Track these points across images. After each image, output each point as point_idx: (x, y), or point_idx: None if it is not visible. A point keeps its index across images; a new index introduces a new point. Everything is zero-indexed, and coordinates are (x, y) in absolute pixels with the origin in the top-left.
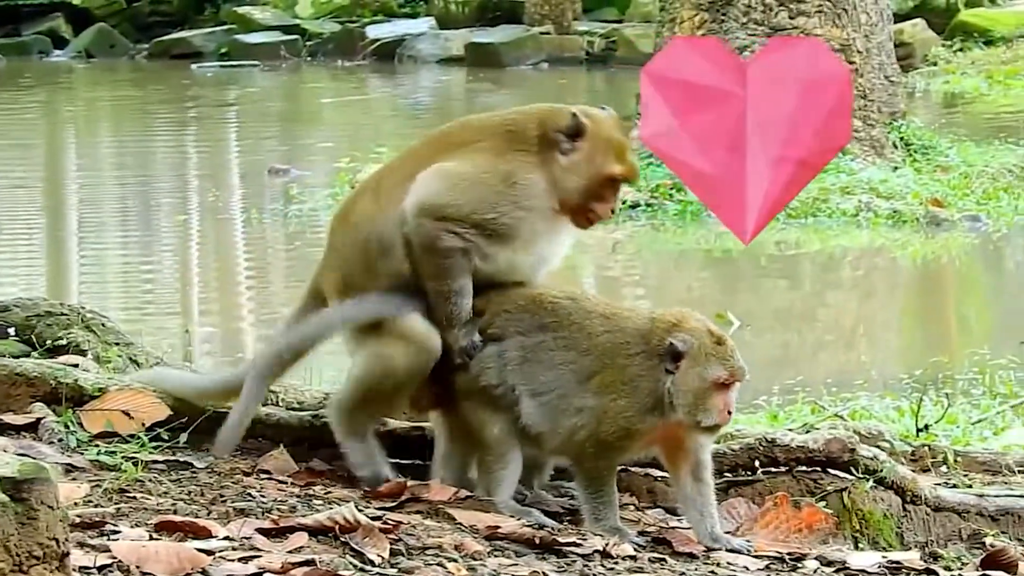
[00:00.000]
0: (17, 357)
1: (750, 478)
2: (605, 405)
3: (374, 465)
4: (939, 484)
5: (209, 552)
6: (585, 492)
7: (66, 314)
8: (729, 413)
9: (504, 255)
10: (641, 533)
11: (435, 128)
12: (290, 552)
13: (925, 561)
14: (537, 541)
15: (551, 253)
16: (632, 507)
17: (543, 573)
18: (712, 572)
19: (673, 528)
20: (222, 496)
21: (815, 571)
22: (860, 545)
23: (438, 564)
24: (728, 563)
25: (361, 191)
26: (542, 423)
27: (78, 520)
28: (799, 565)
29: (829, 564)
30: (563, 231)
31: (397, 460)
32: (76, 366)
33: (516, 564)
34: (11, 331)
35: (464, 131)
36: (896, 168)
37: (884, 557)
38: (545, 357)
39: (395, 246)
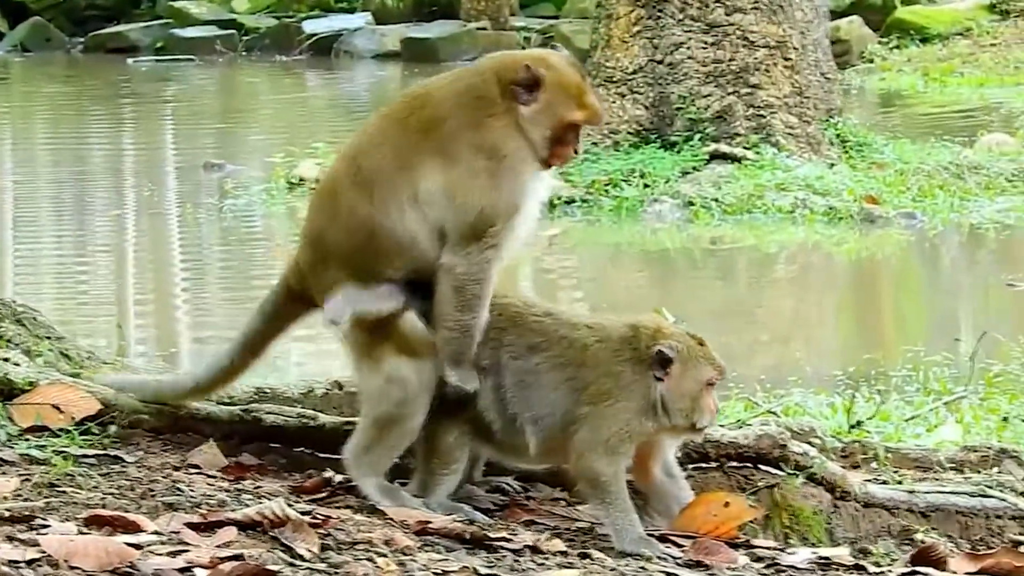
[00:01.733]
0: None
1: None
2: (602, 411)
3: (406, 500)
4: (869, 480)
5: (138, 546)
6: (598, 505)
7: None
8: (717, 411)
9: (515, 230)
10: (580, 530)
11: (398, 99)
12: (219, 546)
13: (855, 557)
14: (467, 536)
15: (537, 208)
16: (563, 503)
17: (473, 568)
18: (643, 568)
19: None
20: (151, 490)
21: (745, 567)
22: (790, 541)
23: (368, 559)
24: (659, 557)
25: (337, 180)
26: (543, 442)
27: (7, 514)
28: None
29: (759, 560)
30: (541, 179)
31: (331, 455)
32: (7, 360)
33: (446, 559)
34: None
35: (431, 106)
36: (832, 165)
37: (814, 553)
38: (545, 380)
39: (407, 240)
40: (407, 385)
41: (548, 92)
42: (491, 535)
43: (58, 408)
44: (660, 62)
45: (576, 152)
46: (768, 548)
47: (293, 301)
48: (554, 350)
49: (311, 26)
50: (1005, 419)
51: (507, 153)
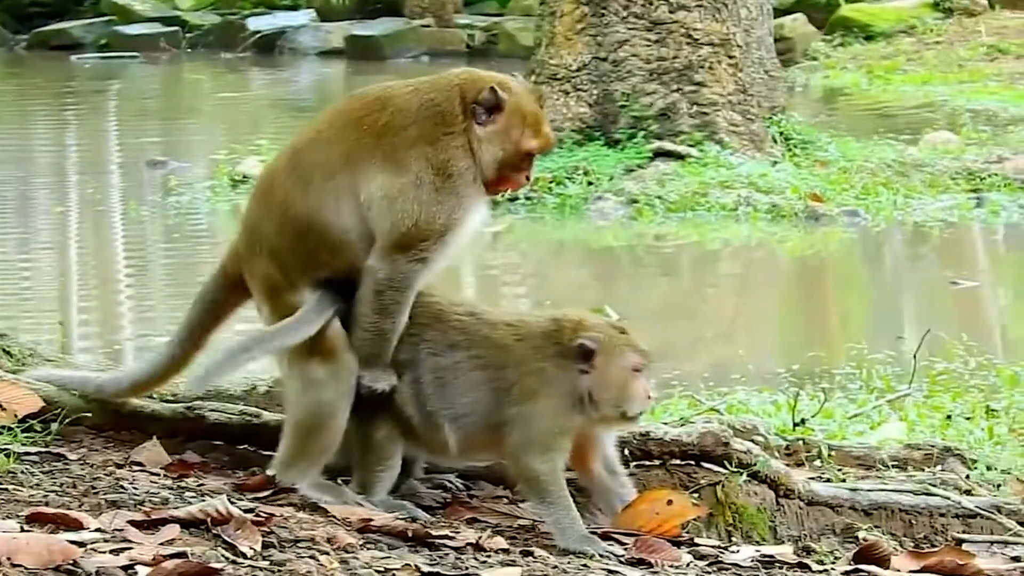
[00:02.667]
0: None
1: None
2: (531, 409)
3: (345, 496)
4: (813, 478)
5: (81, 544)
6: (539, 504)
7: None
8: (649, 397)
9: (445, 250)
10: (522, 528)
11: (353, 98)
12: (162, 544)
13: (798, 555)
14: (410, 534)
15: (474, 230)
16: (505, 500)
17: (415, 566)
18: (584, 566)
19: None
20: (94, 488)
21: (688, 565)
22: (733, 539)
23: (310, 557)
24: (602, 555)
25: (277, 172)
26: (462, 440)
27: None
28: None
29: (702, 558)
30: (483, 203)
31: (274, 453)
32: None
33: (388, 557)
34: None
35: (390, 112)
36: (775, 163)
37: (757, 551)
38: (463, 378)
39: (338, 239)
40: (323, 389)
41: (507, 116)
42: (433, 533)
43: (0, 406)
44: (604, 59)
45: (528, 179)
46: (711, 546)
47: (232, 288)
48: (475, 350)
49: (255, 23)
50: (949, 417)
51: (454, 172)
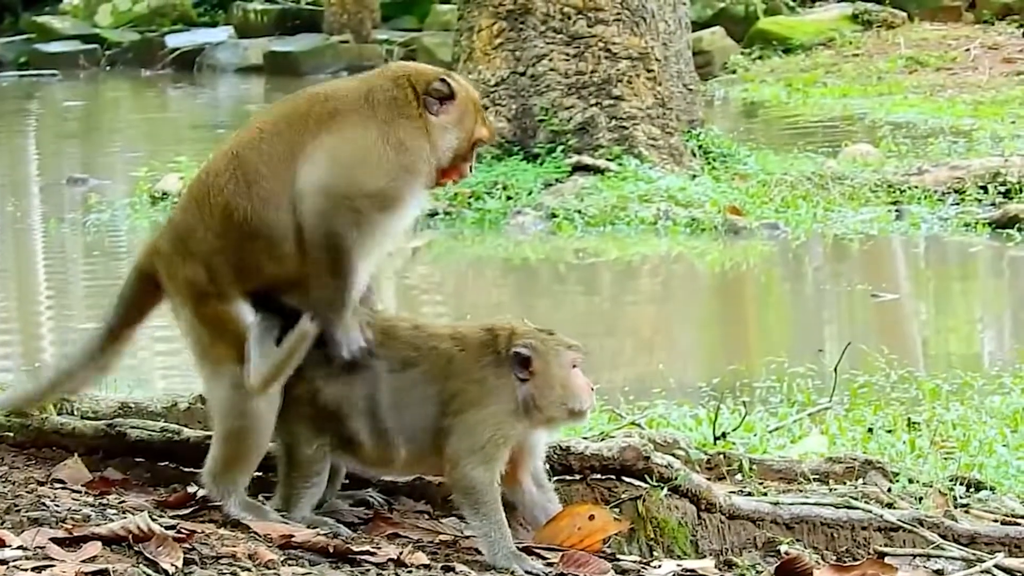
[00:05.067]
0: None
1: None
2: (472, 417)
3: (268, 516)
4: (734, 492)
5: (3, 562)
6: (473, 515)
7: None
8: (592, 389)
9: (385, 224)
10: (443, 543)
11: (293, 97)
12: (84, 561)
13: (720, 569)
14: (331, 550)
15: (413, 218)
16: (427, 516)
17: None
18: None
19: (468, 537)
20: (16, 505)
21: None
22: (655, 553)
23: (231, 573)
24: (528, 572)
25: (213, 177)
26: (412, 453)
27: None
28: None
29: (624, 573)
30: (425, 193)
31: (195, 469)
32: None
33: (310, 573)
34: None
35: (335, 100)
36: (694, 176)
37: (679, 566)
38: (417, 395)
39: (281, 240)
40: (251, 395)
41: (459, 105)
42: (355, 548)
43: None
44: (522, 74)
45: (471, 170)
46: (633, 561)
47: (146, 285)
48: (425, 364)
49: (174, 40)
50: (870, 430)
51: (411, 148)
